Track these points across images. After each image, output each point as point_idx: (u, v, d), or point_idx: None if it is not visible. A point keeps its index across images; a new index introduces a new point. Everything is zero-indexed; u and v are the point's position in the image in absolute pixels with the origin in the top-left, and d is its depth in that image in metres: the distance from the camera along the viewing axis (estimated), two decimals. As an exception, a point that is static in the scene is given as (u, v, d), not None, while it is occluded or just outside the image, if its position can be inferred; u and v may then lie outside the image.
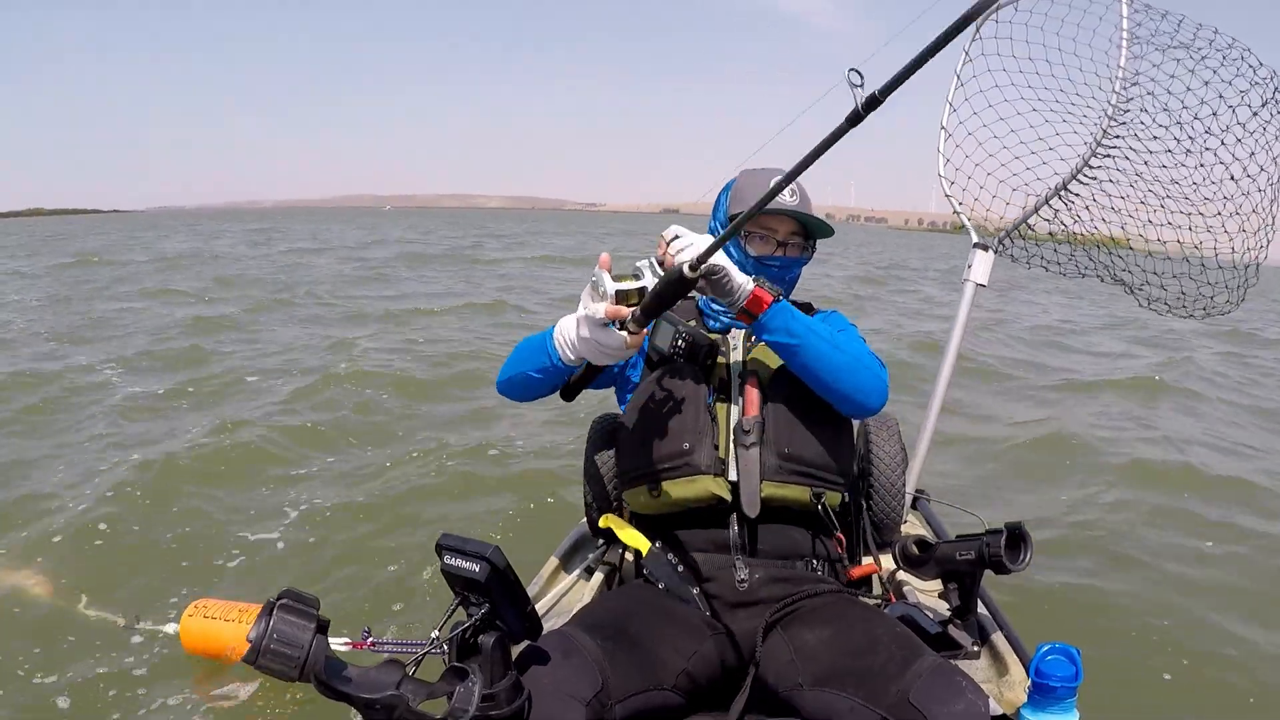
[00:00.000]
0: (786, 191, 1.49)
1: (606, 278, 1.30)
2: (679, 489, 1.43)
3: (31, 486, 4.13)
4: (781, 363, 1.48)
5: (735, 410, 1.47)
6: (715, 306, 1.60)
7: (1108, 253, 2.41)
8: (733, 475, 1.42)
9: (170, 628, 2.65)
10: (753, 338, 1.54)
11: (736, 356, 1.54)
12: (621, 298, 1.30)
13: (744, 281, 1.33)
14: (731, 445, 1.44)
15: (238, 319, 9.42)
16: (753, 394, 1.47)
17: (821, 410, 1.48)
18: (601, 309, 1.29)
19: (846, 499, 1.62)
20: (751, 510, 1.40)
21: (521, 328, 9.01)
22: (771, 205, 1.44)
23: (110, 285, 13.07)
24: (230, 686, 2.44)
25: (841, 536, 1.57)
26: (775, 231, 1.55)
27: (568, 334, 1.38)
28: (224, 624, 2.39)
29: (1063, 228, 2.40)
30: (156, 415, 5.49)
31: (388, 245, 25.16)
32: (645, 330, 1.32)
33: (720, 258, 1.28)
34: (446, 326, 9.28)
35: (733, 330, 1.58)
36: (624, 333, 1.29)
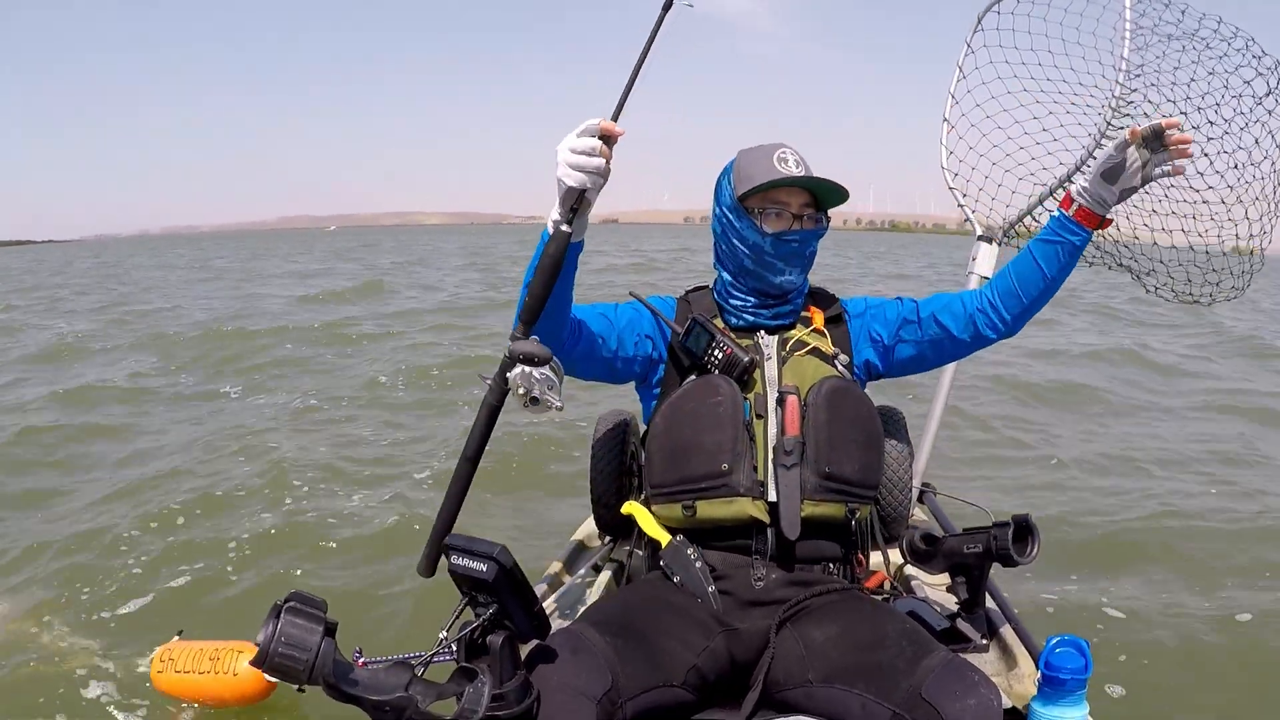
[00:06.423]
0: (792, 162, 1.45)
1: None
2: (715, 509, 1.40)
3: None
4: (820, 376, 1.44)
5: (774, 427, 1.41)
6: (734, 301, 1.52)
7: (1114, 241, 2.41)
8: (771, 496, 1.39)
9: (140, 666, 2.58)
10: (788, 345, 1.48)
11: (771, 369, 1.45)
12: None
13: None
14: (771, 466, 1.39)
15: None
16: (793, 411, 1.40)
17: (858, 423, 1.45)
18: (596, 121, 1.25)
19: None
20: (792, 532, 1.36)
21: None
22: (780, 177, 1.43)
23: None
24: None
25: (862, 557, 1.55)
26: (788, 205, 1.47)
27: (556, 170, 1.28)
28: (198, 677, 2.28)
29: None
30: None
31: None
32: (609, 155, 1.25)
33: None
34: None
35: (761, 333, 1.51)
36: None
